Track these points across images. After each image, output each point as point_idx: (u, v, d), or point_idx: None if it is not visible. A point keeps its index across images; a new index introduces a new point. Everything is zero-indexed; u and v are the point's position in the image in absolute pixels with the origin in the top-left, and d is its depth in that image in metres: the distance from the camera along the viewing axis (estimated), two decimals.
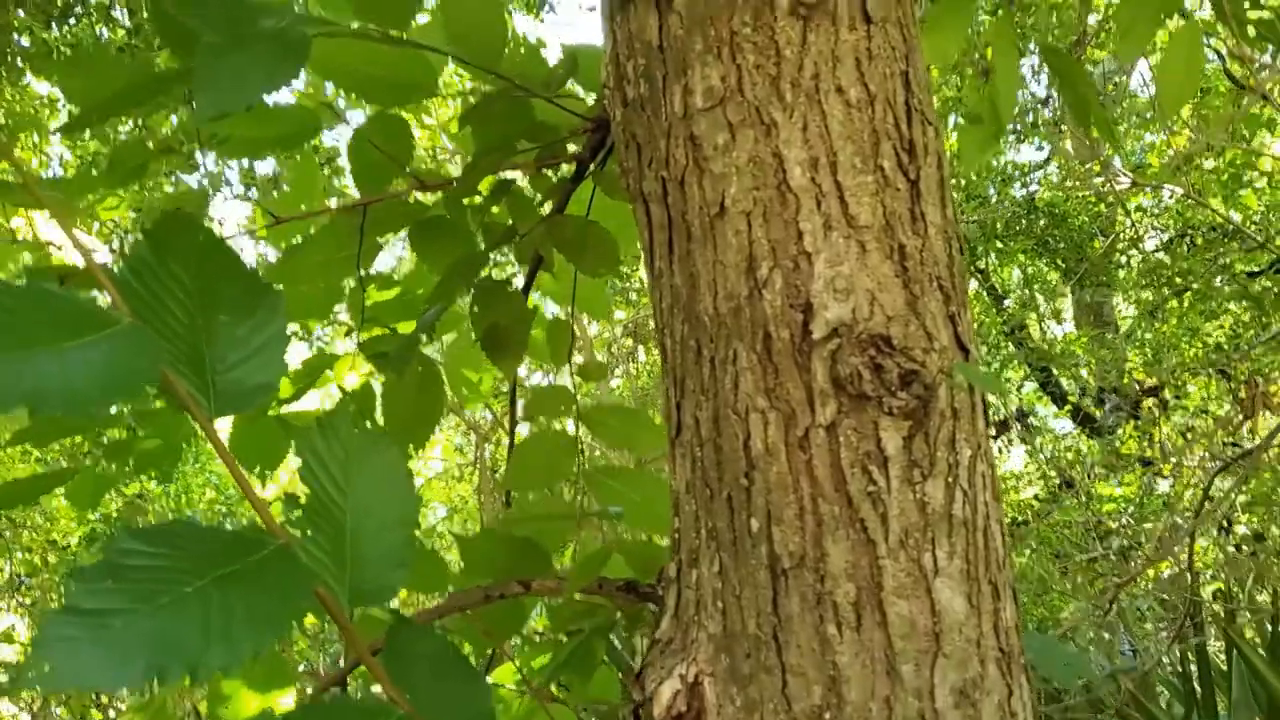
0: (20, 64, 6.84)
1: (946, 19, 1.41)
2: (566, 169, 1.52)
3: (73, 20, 6.71)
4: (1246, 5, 1.51)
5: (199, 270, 0.98)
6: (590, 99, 1.53)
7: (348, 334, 1.77)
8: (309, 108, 1.44)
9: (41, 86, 7.53)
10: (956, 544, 0.90)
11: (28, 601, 9.20)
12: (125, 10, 6.77)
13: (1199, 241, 6.19)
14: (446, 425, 10.80)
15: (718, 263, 0.96)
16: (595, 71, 1.41)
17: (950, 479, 0.90)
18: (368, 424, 1.71)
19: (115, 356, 0.85)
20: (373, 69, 1.39)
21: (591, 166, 1.45)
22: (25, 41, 6.73)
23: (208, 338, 0.96)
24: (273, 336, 0.98)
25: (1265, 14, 1.51)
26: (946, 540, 0.90)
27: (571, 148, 1.46)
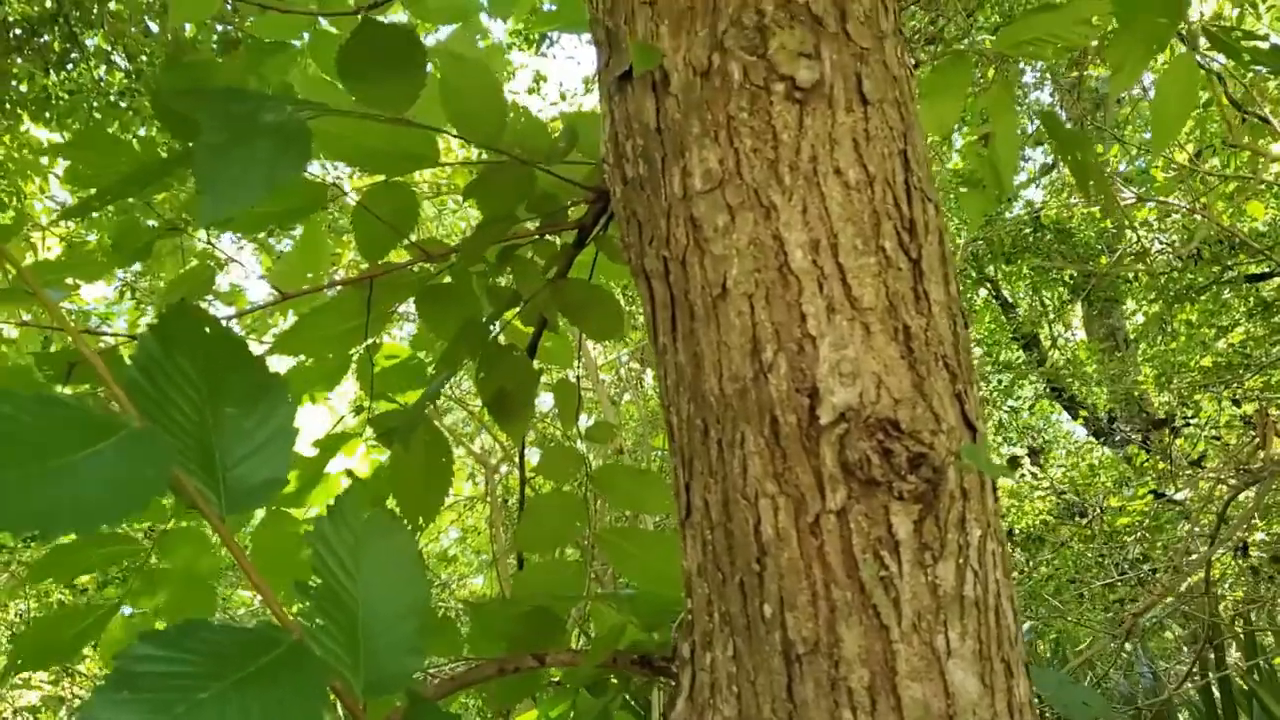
0: (18, 110, 6.88)
1: (942, 87, 1.42)
2: (569, 234, 1.53)
3: (70, 66, 6.75)
4: (1238, 33, 1.51)
5: (206, 363, 0.98)
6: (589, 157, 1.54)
7: (357, 410, 1.77)
8: (314, 181, 1.45)
9: (40, 132, 7.56)
10: (969, 625, 0.90)
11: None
12: (124, 55, 6.81)
13: (1206, 255, 6.17)
14: (457, 453, 10.79)
15: (721, 343, 0.97)
16: (595, 140, 1.42)
17: (961, 560, 0.90)
18: (381, 504, 1.71)
19: (125, 464, 0.85)
20: (373, 142, 1.40)
21: (594, 232, 1.45)
22: (23, 88, 6.78)
23: (216, 432, 0.96)
24: (280, 428, 0.98)
25: (1260, 43, 1.51)
26: (959, 621, 0.89)
27: (573, 213, 1.47)
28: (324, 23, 1.85)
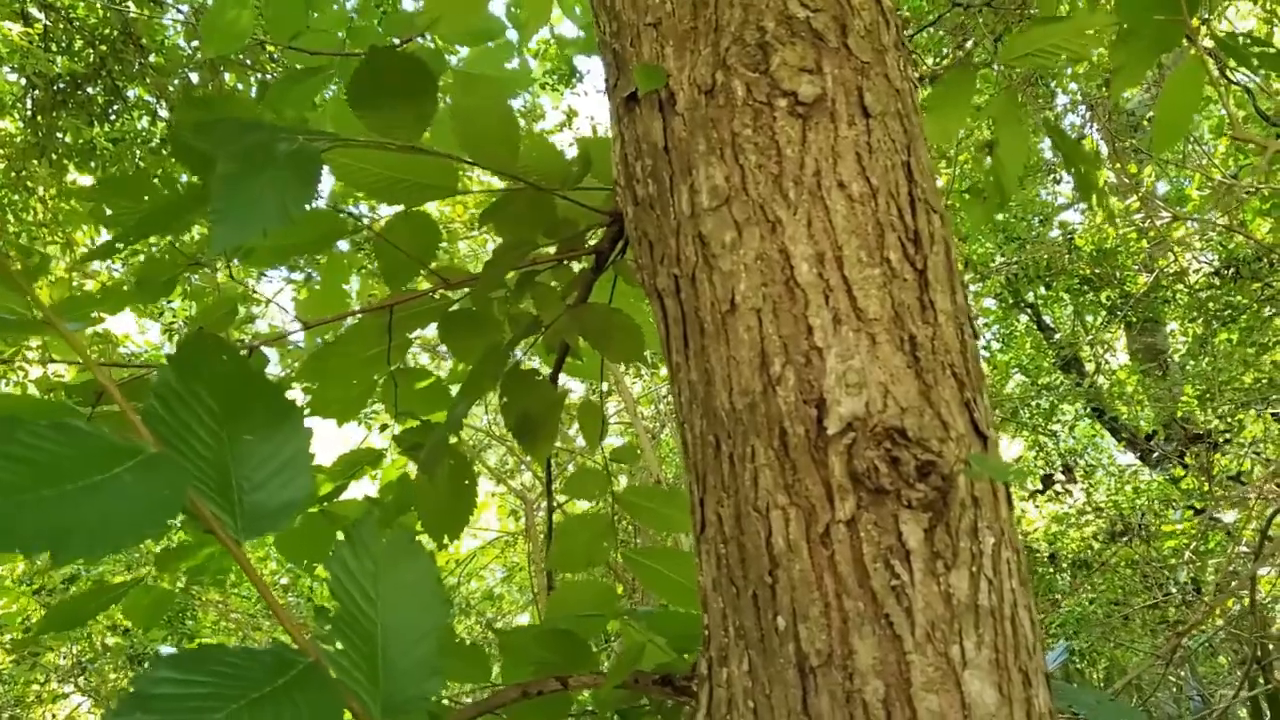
0: (64, 161, 7.03)
1: (948, 99, 1.42)
2: (587, 259, 1.54)
3: (113, 117, 6.89)
4: (1245, 40, 1.50)
5: (224, 392, 0.99)
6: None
7: (383, 429, 1.79)
8: (333, 212, 1.47)
9: (86, 180, 7.72)
10: (984, 634, 0.89)
11: (92, 684, 9.31)
12: (165, 105, 6.95)
13: (1244, 273, 6.10)
14: (498, 490, 10.83)
15: (731, 358, 0.97)
16: (610, 164, 1.44)
17: (974, 568, 0.90)
18: (400, 522, 1.72)
19: (141, 488, 0.86)
20: (391, 172, 1.42)
21: (612, 257, 1.46)
22: (68, 139, 6.92)
23: (234, 459, 0.98)
24: (296, 454, 0.99)
25: (1271, 49, 1.50)
26: (974, 631, 0.89)
27: (591, 238, 1.48)
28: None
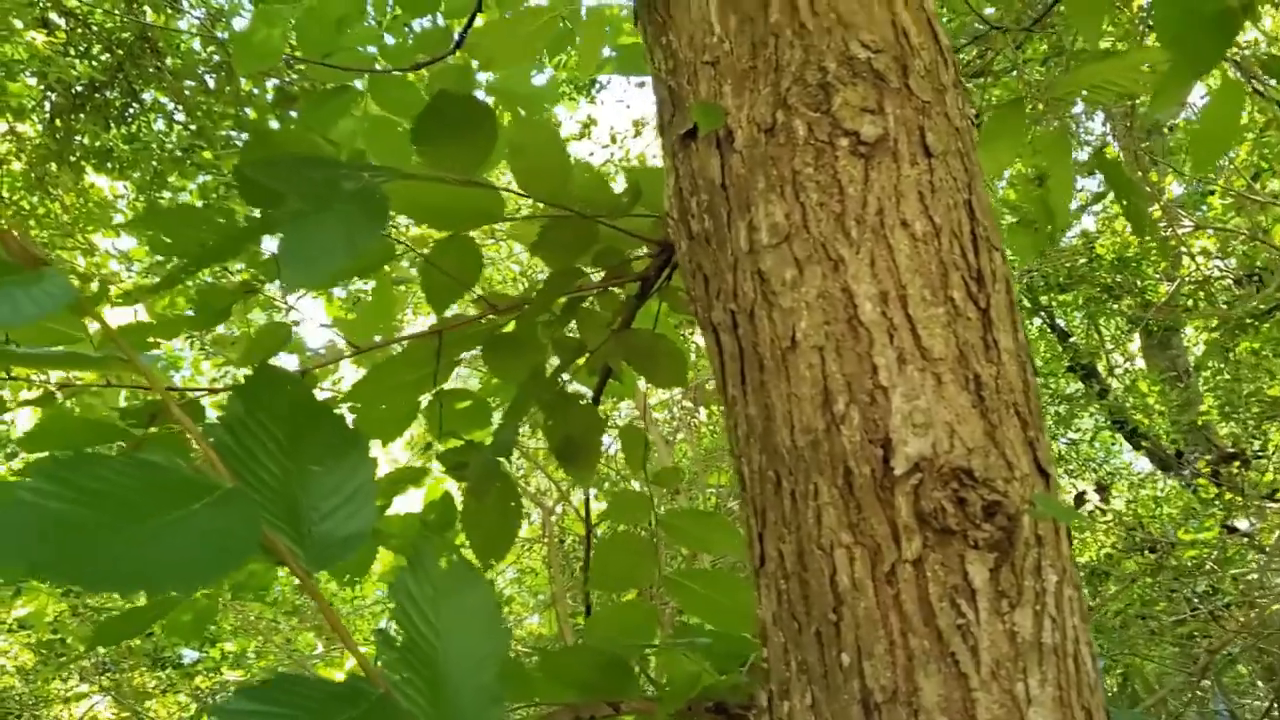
0: (82, 164, 7.08)
1: (1000, 134, 1.43)
2: (632, 285, 1.56)
3: (129, 119, 6.94)
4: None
5: (290, 423, 1.01)
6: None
7: (426, 447, 1.81)
8: (386, 237, 1.49)
9: (101, 180, 7.77)
10: (1048, 672, 0.90)
11: (114, 683, 9.37)
12: (182, 109, 6.99)
13: (1267, 283, 6.08)
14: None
15: (792, 395, 0.98)
16: (658, 193, 1.45)
17: (1038, 607, 0.90)
18: (453, 543, 1.74)
19: (219, 523, 0.87)
20: (441, 200, 1.43)
21: (658, 283, 1.48)
22: (85, 141, 6.97)
23: (301, 489, 0.99)
24: (363, 484, 1.00)
25: None
26: (1038, 669, 0.89)
27: (636, 265, 1.49)
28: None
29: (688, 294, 1.15)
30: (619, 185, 1.50)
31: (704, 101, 1.07)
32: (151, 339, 1.43)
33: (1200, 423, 8.18)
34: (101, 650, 9.08)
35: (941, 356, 0.93)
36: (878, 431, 0.92)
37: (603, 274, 1.51)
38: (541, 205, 1.45)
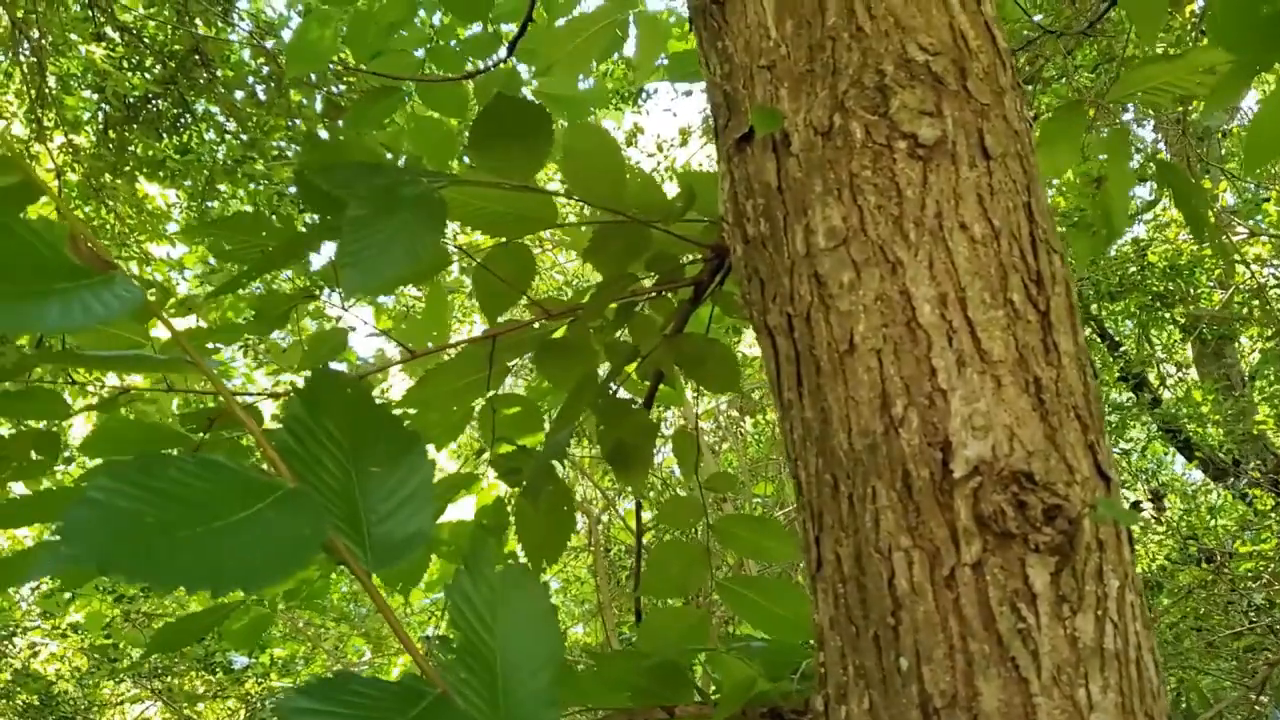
0: (135, 173, 7.21)
1: (1058, 136, 1.42)
2: (684, 290, 1.56)
3: (180, 129, 7.05)
4: None
5: (350, 425, 1.02)
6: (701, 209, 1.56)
7: (479, 453, 1.81)
8: (442, 245, 1.50)
9: (153, 188, 7.90)
10: (1110, 678, 0.89)
11: (165, 686, 9.49)
12: (233, 119, 7.09)
13: None
14: None
15: (850, 399, 0.98)
16: (711, 197, 1.45)
17: (1100, 612, 0.90)
18: (504, 550, 1.75)
19: (283, 523, 0.88)
20: (495, 206, 1.45)
21: (711, 288, 1.48)
22: (138, 150, 7.09)
23: (361, 491, 1.00)
24: (421, 485, 1.01)
25: None
26: (1100, 675, 0.89)
27: (689, 270, 1.50)
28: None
29: (743, 298, 1.15)
30: (670, 191, 1.50)
31: (760, 105, 1.07)
32: (210, 344, 1.46)
33: (1256, 432, 8.05)
34: (153, 655, 9.21)
35: (1001, 359, 0.93)
36: (937, 434, 0.92)
37: (655, 279, 1.52)
38: (590, 211, 1.45)
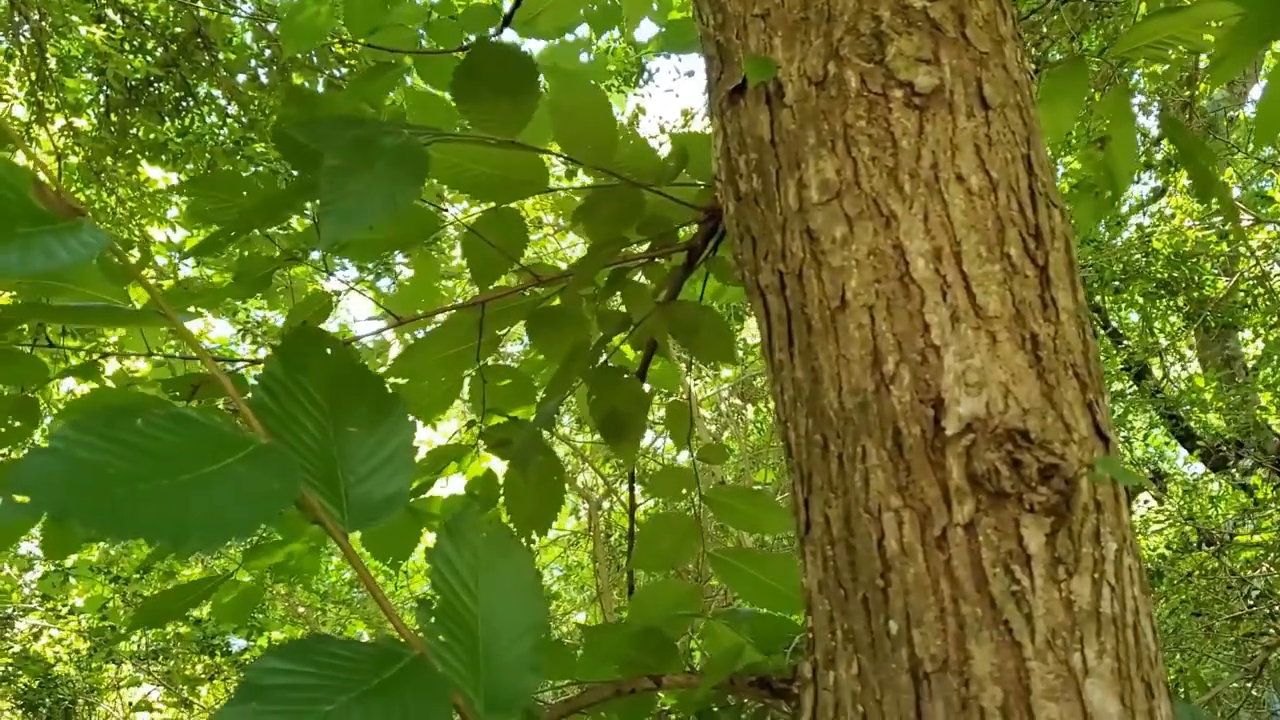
0: (137, 156, 7.18)
1: (1060, 92, 1.39)
2: (678, 256, 1.53)
3: (183, 112, 7.02)
4: None
5: (329, 384, 0.99)
6: (698, 182, 1.54)
7: (469, 425, 1.79)
8: (425, 208, 1.47)
9: (154, 171, 7.88)
10: (1106, 642, 0.86)
11: (164, 670, 9.50)
12: (235, 102, 7.06)
13: None
14: None
15: (841, 356, 0.95)
16: (705, 160, 1.42)
17: (1096, 575, 0.87)
18: (494, 519, 1.72)
19: (254, 478, 0.86)
20: (484, 169, 1.41)
21: (704, 254, 1.45)
22: (139, 133, 7.07)
23: (339, 451, 0.97)
24: (400, 446, 0.99)
25: None
26: (1095, 639, 0.86)
27: (682, 235, 1.47)
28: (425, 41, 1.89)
29: (735, 258, 1.13)
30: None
31: (754, 55, 1.04)
32: (193, 308, 1.43)
33: (1259, 419, 8.01)
34: (152, 635, 9.21)
35: (996, 315, 0.90)
36: (929, 391, 0.89)
37: (648, 245, 1.49)
38: (583, 177, 1.42)
